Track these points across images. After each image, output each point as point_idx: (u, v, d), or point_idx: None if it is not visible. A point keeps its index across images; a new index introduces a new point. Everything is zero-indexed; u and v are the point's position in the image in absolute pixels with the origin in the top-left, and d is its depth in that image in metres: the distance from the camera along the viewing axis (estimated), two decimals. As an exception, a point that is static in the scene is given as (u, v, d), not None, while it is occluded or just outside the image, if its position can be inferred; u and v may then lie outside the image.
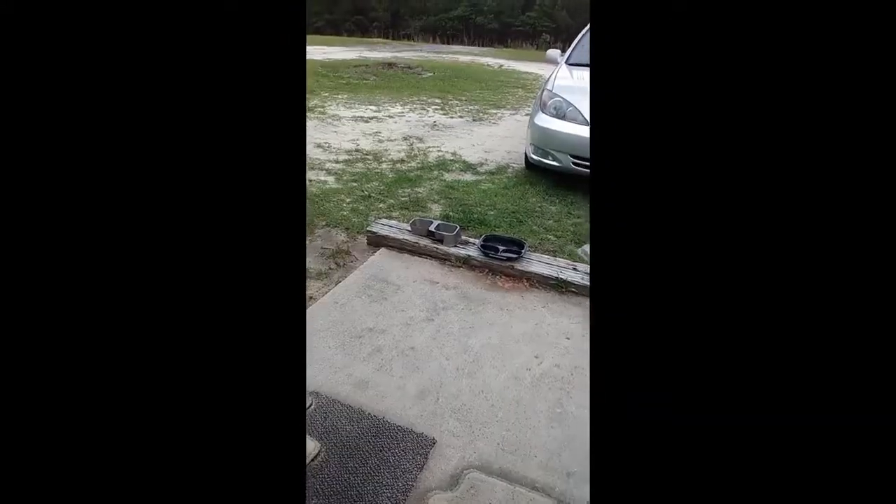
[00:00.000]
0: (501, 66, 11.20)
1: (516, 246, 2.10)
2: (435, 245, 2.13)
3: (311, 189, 2.92)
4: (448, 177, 3.30)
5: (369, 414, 1.26)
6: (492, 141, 4.35)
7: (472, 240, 2.19)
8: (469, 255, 2.07)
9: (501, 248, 2.07)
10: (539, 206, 2.82)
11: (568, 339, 1.62)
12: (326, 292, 1.84)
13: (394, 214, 2.59)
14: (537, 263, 2.03)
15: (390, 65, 9.58)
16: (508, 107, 6.16)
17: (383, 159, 3.62)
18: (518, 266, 2.00)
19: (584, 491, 1.08)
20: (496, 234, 2.28)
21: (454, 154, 3.83)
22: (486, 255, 2.04)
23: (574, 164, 2.88)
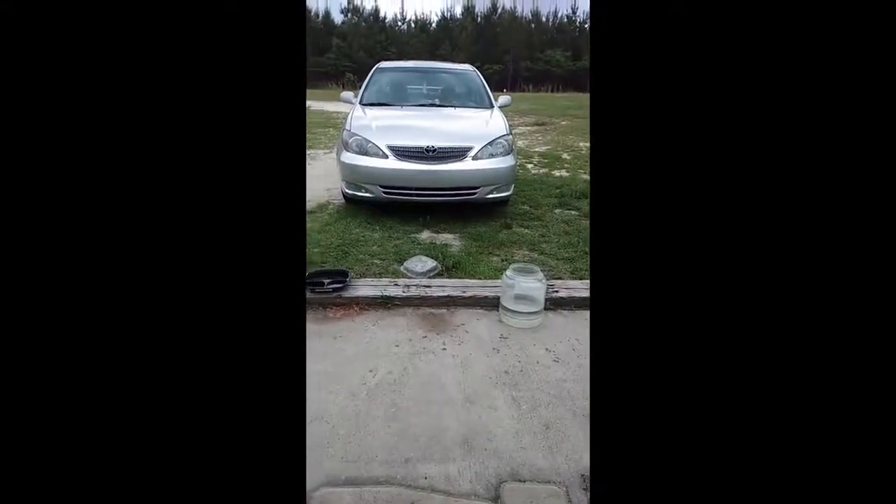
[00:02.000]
0: (310, 106, 11.28)
1: (341, 276, 2.23)
2: (259, 294, 2.12)
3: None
4: (267, 224, 3.24)
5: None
6: (310, 182, 4.40)
7: (296, 280, 2.23)
8: (296, 296, 2.11)
9: (327, 281, 2.18)
10: (362, 236, 3.00)
11: (397, 346, 1.81)
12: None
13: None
14: (364, 287, 2.20)
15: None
16: (322, 146, 6.30)
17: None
18: (346, 294, 2.13)
19: (424, 468, 1.25)
20: (321, 269, 2.37)
21: (270, 201, 3.78)
22: (313, 291, 2.12)
23: (385, 193, 3.16)
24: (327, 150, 6.03)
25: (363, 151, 3.18)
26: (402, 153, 3.13)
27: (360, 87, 3.97)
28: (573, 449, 1.31)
